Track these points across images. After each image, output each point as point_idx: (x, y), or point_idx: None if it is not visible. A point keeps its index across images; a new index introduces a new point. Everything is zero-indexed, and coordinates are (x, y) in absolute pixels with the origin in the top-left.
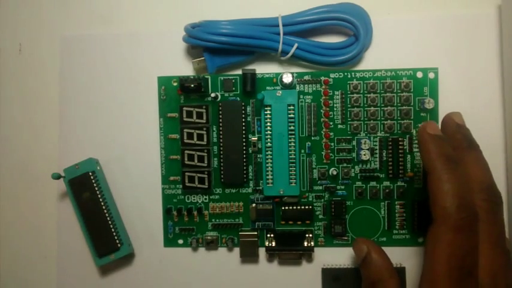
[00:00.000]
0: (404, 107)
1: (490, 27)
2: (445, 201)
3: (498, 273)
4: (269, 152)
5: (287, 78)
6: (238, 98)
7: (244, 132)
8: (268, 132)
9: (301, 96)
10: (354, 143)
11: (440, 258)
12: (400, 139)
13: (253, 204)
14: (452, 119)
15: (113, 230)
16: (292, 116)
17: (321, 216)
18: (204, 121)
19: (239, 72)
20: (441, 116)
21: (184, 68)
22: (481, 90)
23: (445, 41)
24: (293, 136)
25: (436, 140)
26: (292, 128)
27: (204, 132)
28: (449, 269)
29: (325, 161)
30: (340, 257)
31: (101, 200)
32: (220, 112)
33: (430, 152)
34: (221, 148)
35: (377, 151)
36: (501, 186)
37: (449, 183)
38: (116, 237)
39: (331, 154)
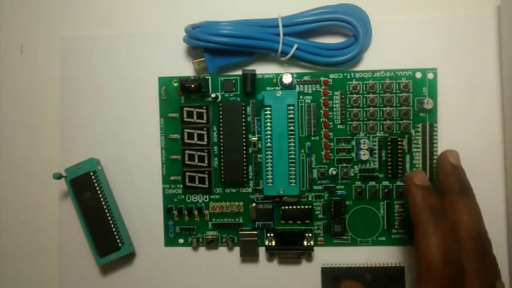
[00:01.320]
0: (403, 107)
1: (489, 28)
2: (430, 255)
3: None
4: (269, 152)
5: (287, 79)
6: (238, 99)
7: (244, 132)
8: (268, 132)
9: (301, 97)
10: (353, 143)
11: None
12: (399, 139)
13: (253, 204)
14: (448, 159)
15: (113, 229)
16: (292, 116)
17: (320, 216)
18: (205, 121)
19: (239, 72)
20: (440, 116)
21: (185, 68)
22: (480, 91)
23: (444, 42)
24: (293, 136)
25: (423, 192)
26: (292, 128)
27: (205, 132)
28: None
29: (324, 161)
30: (339, 256)
31: (102, 199)
32: (221, 112)
33: (417, 204)
34: (221, 148)
35: (376, 151)
36: (500, 189)
37: (435, 237)
38: (116, 237)
39: (330, 154)
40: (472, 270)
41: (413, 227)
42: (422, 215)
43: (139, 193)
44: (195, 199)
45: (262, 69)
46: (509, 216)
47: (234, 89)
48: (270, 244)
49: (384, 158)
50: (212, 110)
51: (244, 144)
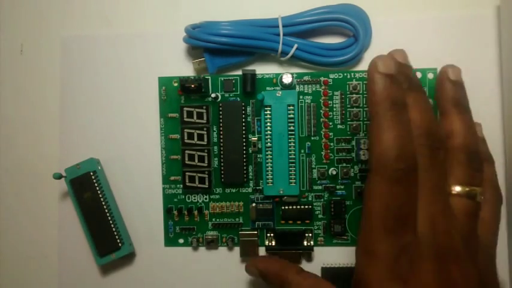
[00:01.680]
0: None
1: (489, 28)
2: (381, 152)
3: (437, 219)
4: (269, 152)
5: (287, 79)
6: (238, 99)
7: (244, 132)
8: (268, 132)
9: (301, 97)
10: (354, 143)
11: (375, 208)
12: None
13: (253, 204)
14: (395, 58)
15: (113, 229)
16: (292, 116)
17: (320, 216)
18: (205, 121)
19: (239, 72)
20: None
21: (185, 68)
22: (480, 91)
23: (444, 42)
24: (293, 136)
25: (386, 81)
26: (292, 128)
27: (205, 132)
28: (384, 219)
29: (324, 161)
30: (339, 256)
31: (101, 199)
32: (221, 112)
33: (376, 94)
34: (221, 148)
35: None
36: (500, 186)
37: (389, 132)
38: (116, 237)
39: (330, 154)
40: (423, 167)
41: None
42: (380, 106)
43: (139, 193)
44: (195, 199)
45: (262, 69)
46: (509, 216)
47: (234, 89)
48: (270, 244)
49: None
50: (212, 110)
51: (244, 144)
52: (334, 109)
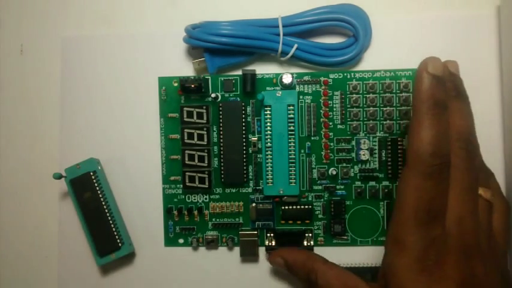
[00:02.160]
0: (403, 108)
1: (489, 28)
2: (419, 147)
3: (465, 218)
4: (269, 152)
5: (287, 79)
6: (238, 99)
7: (244, 132)
8: (268, 132)
9: (301, 97)
10: (353, 143)
11: (408, 201)
12: (399, 139)
13: (253, 204)
14: (447, 66)
15: (113, 229)
16: (292, 116)
17: (320, 216)
18: (205, 121)
19: (239, 72)
20: None
21: (185, 68)
22: (480, 91)
23: (444, 42)
24: (293, 136)
25: (432, 81)
26: (292, 128)
27: (205, 132)
28: (416, 211)
29: (324, 161)
30: (339, 256)
31: (101, 199)
32: (221, 112)
33: (421, 92)
34: (221, 148)
35: (376, 151)
36: (500, 187)
37: (429, 129)
38: (116, 237)
39: (330, 154)
40: (458, 167)
41: None
42: (425, 104)
43: (139, 193)
44: (195, 199)
45: (262, 69)
46: (509, 216)
47: (234, 89)
48: (270, 244)
49: (383, 158)
50: (212, 110)
51: (244, 144)
52: (334, 109)
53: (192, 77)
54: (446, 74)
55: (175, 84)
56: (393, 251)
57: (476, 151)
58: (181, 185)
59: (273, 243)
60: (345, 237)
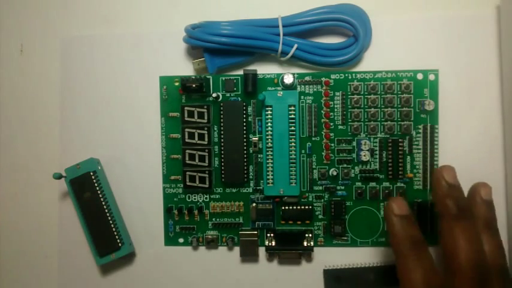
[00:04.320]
0: (404, 109)
1: (489, 28)
2: None
3: None
4: (270, 152)
5: (288, 79)
6: (239, 98)
7: (245, 132)
8: (269, 132)
9: (302, 97)
10: (354, 143)
11: None
12: (400, 140)
13: (254, 204)
14: (444, 177)
15: (113, 229)
16: (292, 116)
17: (320, 216)
18: (205, 121)
19: (240, 72)
20: (441, 117)
21: (186, 68)
22: (480, 92)
23: (444, 42)
24: (294, 136)
25: (402, 222)
26: (292, 128)
27: (205, 132)
28: None
29: (325, 162)
30: (339, 256)
31: (101, 199)
32: (222, 112)
33: (396, 236)
34: (222, 148)
35: (377, 152)
36: (500, 187)
37: (416, 272)
38: (116, 237)
39: (331, 155)
40: None
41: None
42: (402, 246)
43: (140, 193)
44: (195, 199)
45: (264, 69)
46: (509, 216)
47: (235, 88)
48: (270, 244)
49: (384, 159)
50: (213, 109)
51: (244, 144)
52: (335, 110)
53: (193, 77)
54: (443, 188)
55: (177, 84)
56: None
57: (488, 275)
58: (182, 185)
59: (273, 243)
60: (345, 238)
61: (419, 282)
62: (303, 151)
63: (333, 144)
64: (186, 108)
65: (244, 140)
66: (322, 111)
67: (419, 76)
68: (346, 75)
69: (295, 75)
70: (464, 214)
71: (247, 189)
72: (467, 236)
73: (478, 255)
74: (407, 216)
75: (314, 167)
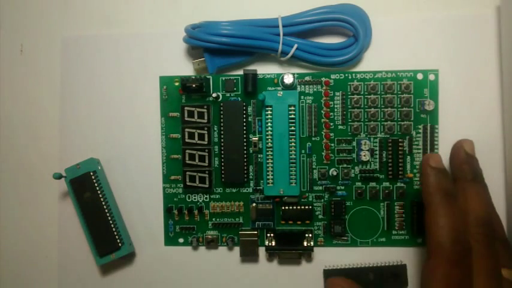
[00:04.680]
0: (404, 109)
1: (489, 28)
2: (440, 236)
3: None
4: (270, 152)
5: (288, 79)
6: (239, 98)
7: (245, 132)
8: (269, 132)
9: (302, 97)
10: (354, 143)
11: None
12: (400, 140)
13: (254, 204)
14: (463, 147)
15: (113, 229)
16: (293, 116)
17: (320, 216)
18: (205, 121)
19: (240, 72)
20: (441, 117)
21: (186, 68)
22: (480, 92)
23: (444, 42)
24: (294, 136)
25: (437, 174)
26: (292, 128)
27: (205, 132)
28: None
29: (325, 162)
30: (339, 256)
31: (101, 199)
32: (222, 112)
33: (429, 186)
34: (222, 148)
35: (377, 152)
36: (500, 189)
37: (445, 218)
38: (116, 237)
39: (331, 155)
40: (479, 253)
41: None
42: (435, 196)
43: (140, 192)
44: (195, 199)
45: (263, 69)
46: (509, 216)
47: (235, 88)
48: (270, 244)
49: (384, 159)
50: (213, 109)
51: (244, 144)
52: (335, 110)
53: (193, 77)
54: (462, 155)
55: (177, 84)
56: None
57: (495, 234)
58: (182, 185)
59: (273, 243)
60: (345, 238)
61: (445, 227)
62: (303, 151)
63: (333, 144)
64: (186, 108)
65: (244, 140)
66: (322, 111)
67: (419, 76)
68: (346, 75)
69: (295, 75)
70: (478, 179)
71: (247, 189)
72: (479, 197)
73: (487, 215)
74: (442, 170)
75: (314, 167)
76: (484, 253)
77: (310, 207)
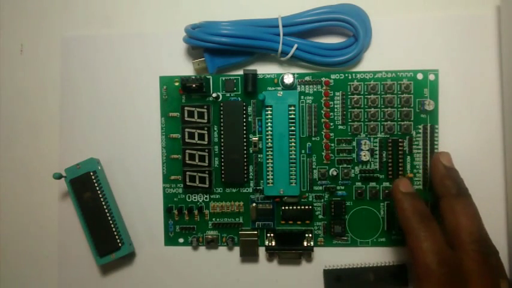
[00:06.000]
0: (404, 109)
1: (489, 28)
2: (425, 259)
3: None
4: (270, 152)
5: (288, 79)
6: (239, 98)
7: (245, 132)
8: (269, 132)
9: (302, 97)
10: (354, 143)
11: None
12: (400, 140)
13: (254, 204)
14: (441, 162)
15: (113, 229)
16: (293, 116)
17: (320, 216)
18: (205, 121)
19: (240, 72)
20: (441, 117)
21: (186, 68)
22: (480, 92)
23: (444, 42)
24: (294, 136)
25: (410, 199)
26: (292, 128)
27: (205, 132)
28: None
29: (325, 162)
30: (339, 256)
31: (102, 199)
32: (222, 112)
33: (405, 211)
34: (222, 148)
35: (377, 152)
36: (500, 189)
37: (427, 242)
38: (116, 237)
39: (331, 155)
40: (475, 271)
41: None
42: (412, 220)
43: (140, 192)
44: (195, 199)
45: (264, 69)
46: (509, 216)
47: (235, 88)
48: (270, 244)
49: (384, 159)
50: (213, 109)
51: (244, 144)
52: (335, 110)
53: (193, 77)
54: (441, 170)
55: (177, 84)
56: None
57: (490, 249)
58: (182, 185)
59: (273, 243)
60: (345, 238)
61: (429, 251)
62: (303, 151)
63: (333, 144)
64: (186, 108)
65: (244, 140)
66: (322, 111)
67: (419, 76)
68: (346, 75)
69: (295, 75)
70: (462, 192)
71: (247, 189)
72: (467, 212)
73: (479, 229)
74: (413, 193)
75: (314, 167)
76: (480, 271)
77: (310, 207)
